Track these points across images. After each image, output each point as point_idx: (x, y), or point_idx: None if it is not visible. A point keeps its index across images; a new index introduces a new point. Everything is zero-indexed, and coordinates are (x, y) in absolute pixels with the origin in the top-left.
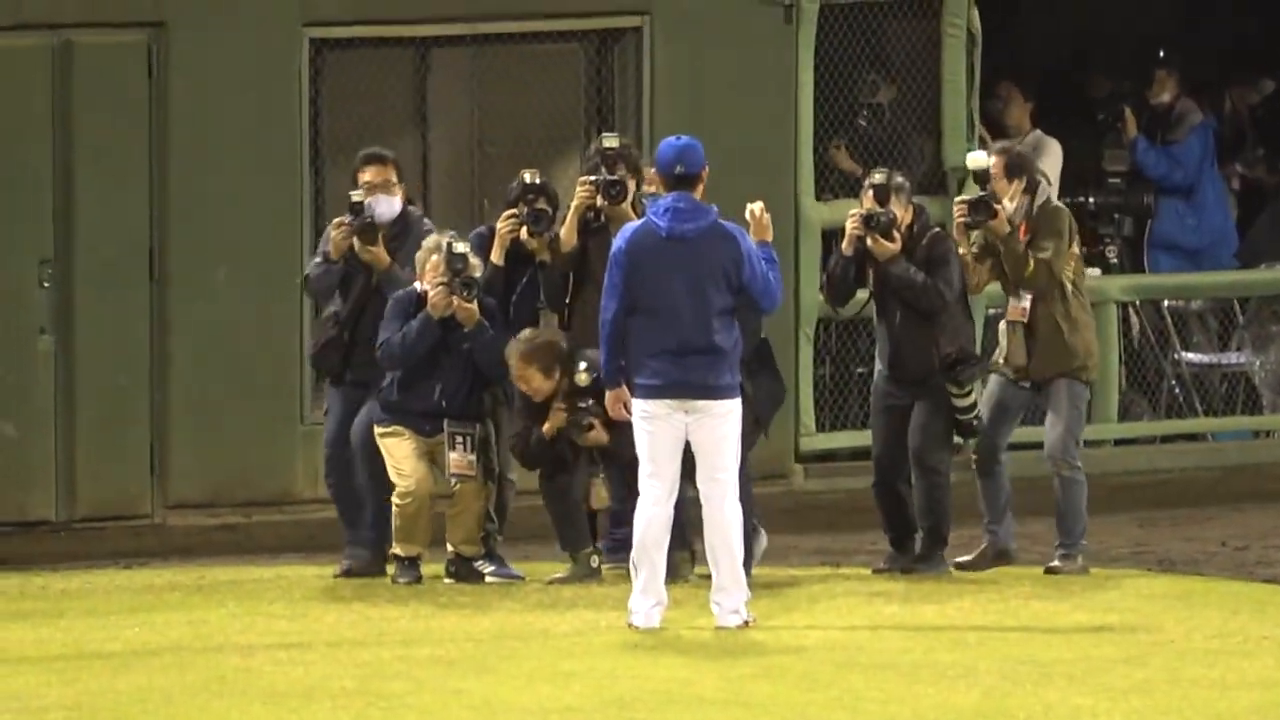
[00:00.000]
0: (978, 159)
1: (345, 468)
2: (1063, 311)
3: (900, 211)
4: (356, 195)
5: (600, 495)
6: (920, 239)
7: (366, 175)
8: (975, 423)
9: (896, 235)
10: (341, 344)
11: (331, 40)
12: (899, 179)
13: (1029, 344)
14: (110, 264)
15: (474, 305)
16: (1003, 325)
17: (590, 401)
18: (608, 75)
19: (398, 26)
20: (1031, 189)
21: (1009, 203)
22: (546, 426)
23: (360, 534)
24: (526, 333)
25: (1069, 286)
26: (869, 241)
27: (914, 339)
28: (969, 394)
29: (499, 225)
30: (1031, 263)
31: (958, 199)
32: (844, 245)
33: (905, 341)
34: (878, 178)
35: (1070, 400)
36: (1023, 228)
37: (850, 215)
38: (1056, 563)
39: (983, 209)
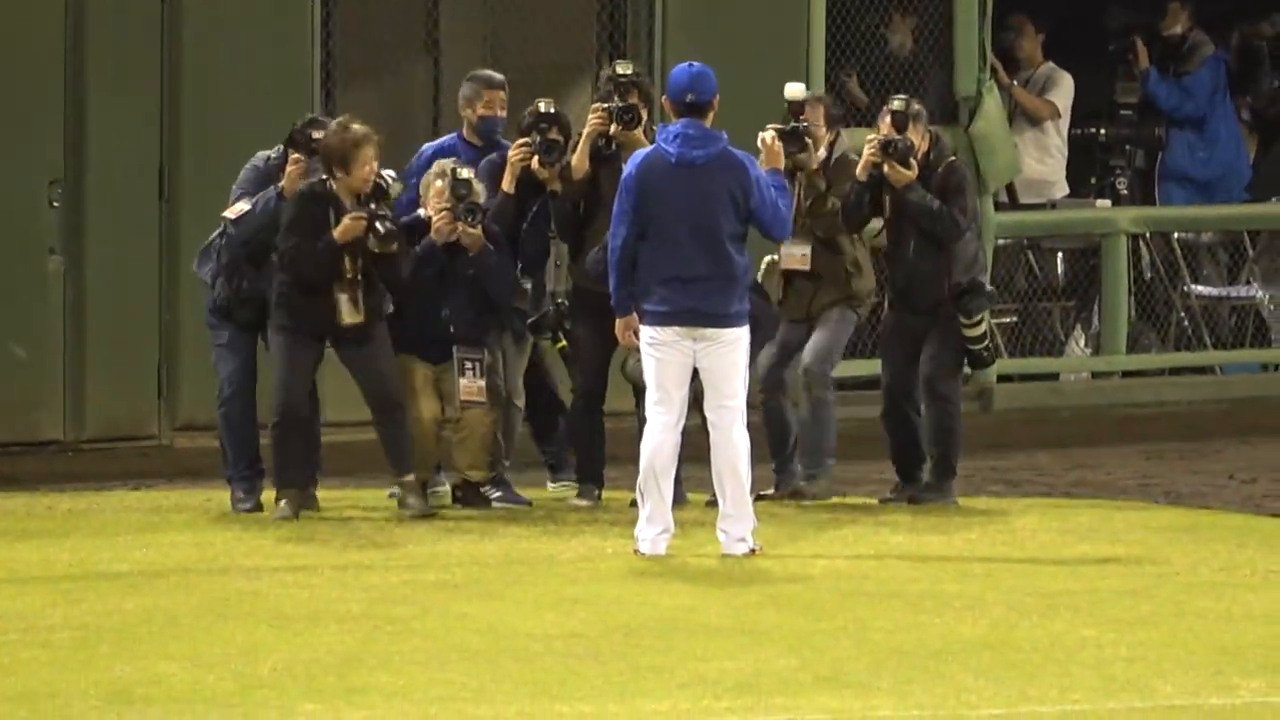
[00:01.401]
0: (795, 89)
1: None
2: (851, 259)
3: (917, 139)
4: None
5: (349, 311)
6: (935, 167)
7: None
8: (985, 353)
9: (913, 162)
10: None
11: None
12: (916, 106)
13: (816, 288)
14: (120, 184)
15: (478, 230)
16: (770, 267)
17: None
18: (620, 2)
19: None
20: (833, 141)
21: (821, 151)
22: (339, 231)
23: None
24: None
25: (859, 236)
26: (886, 168)
27: (926, 268)
28: (979, 324)
29: (510, 153)
30: (829, 204)
31: (770, 125)
32: (859, 171)
33: (918, 270)
34: (896, 104)
35: (840, 323)
36: (819, 171)
37: (868, 141)
38: (802, 484)
39: (794, 139)
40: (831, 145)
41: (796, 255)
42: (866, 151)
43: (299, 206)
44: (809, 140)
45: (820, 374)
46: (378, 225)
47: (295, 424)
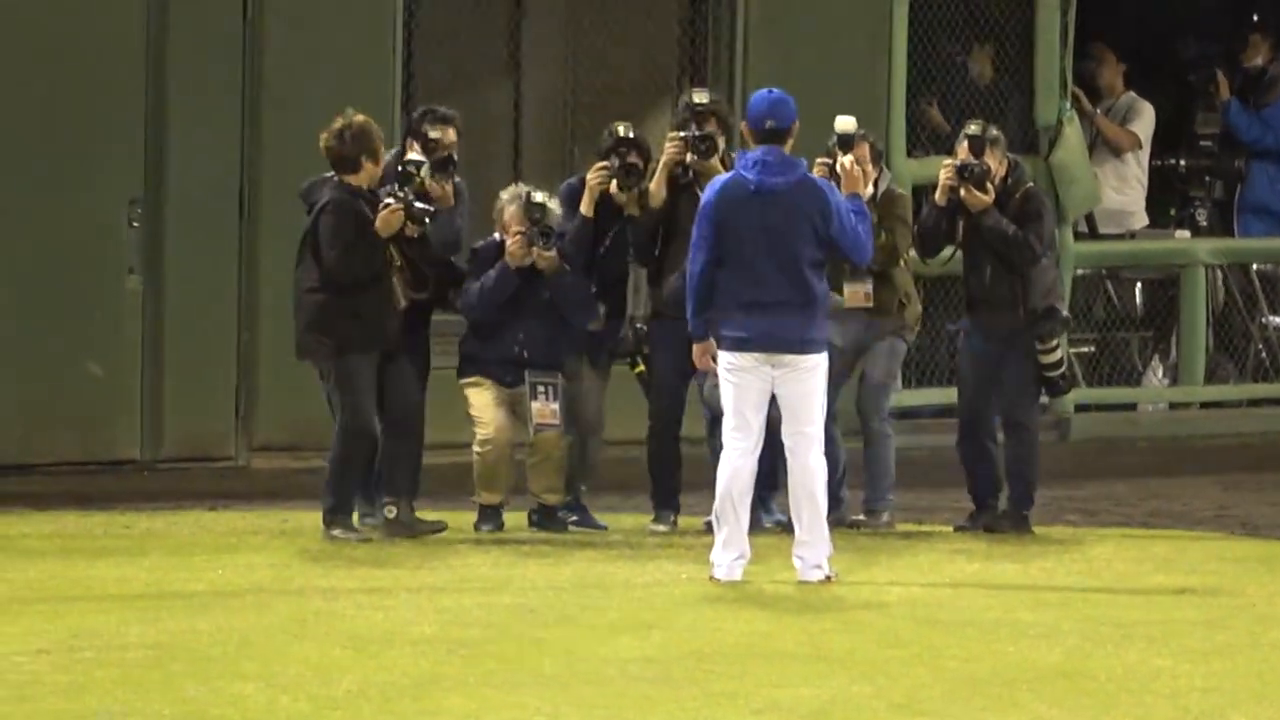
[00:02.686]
0: (846, 123)
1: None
2: (904, 289)
3: (994, 164)
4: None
5: (404, 291)
6: (1014, 193)
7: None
8: (1062, 381)
9: (990, 187)
10: None
11: None
12: (994, 131)
13: (868, 320)
14: (200, 204)
15: (553, 254)
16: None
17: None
18: (701, 26)
19: None
20: (877, 177)
21: (870, 188)
22: (380, 225)
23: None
24: None
25: (904, 265)
26: (962, 192)
27: (1003, 293)
28: (1055, 349)
29: (589, 177)
30: (881, 237)
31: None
32: (937, 195)
33: (994, 296)
34: (973, 129)
35: (891, 354)
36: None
37: (944, 165)
38: (862, 517)
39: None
40: (876, 181)
41: (860, 293)
42: (943, 176)
43: (336, 218)
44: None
45: (879, 407)
46: (413, 207)
47: (372, 443)
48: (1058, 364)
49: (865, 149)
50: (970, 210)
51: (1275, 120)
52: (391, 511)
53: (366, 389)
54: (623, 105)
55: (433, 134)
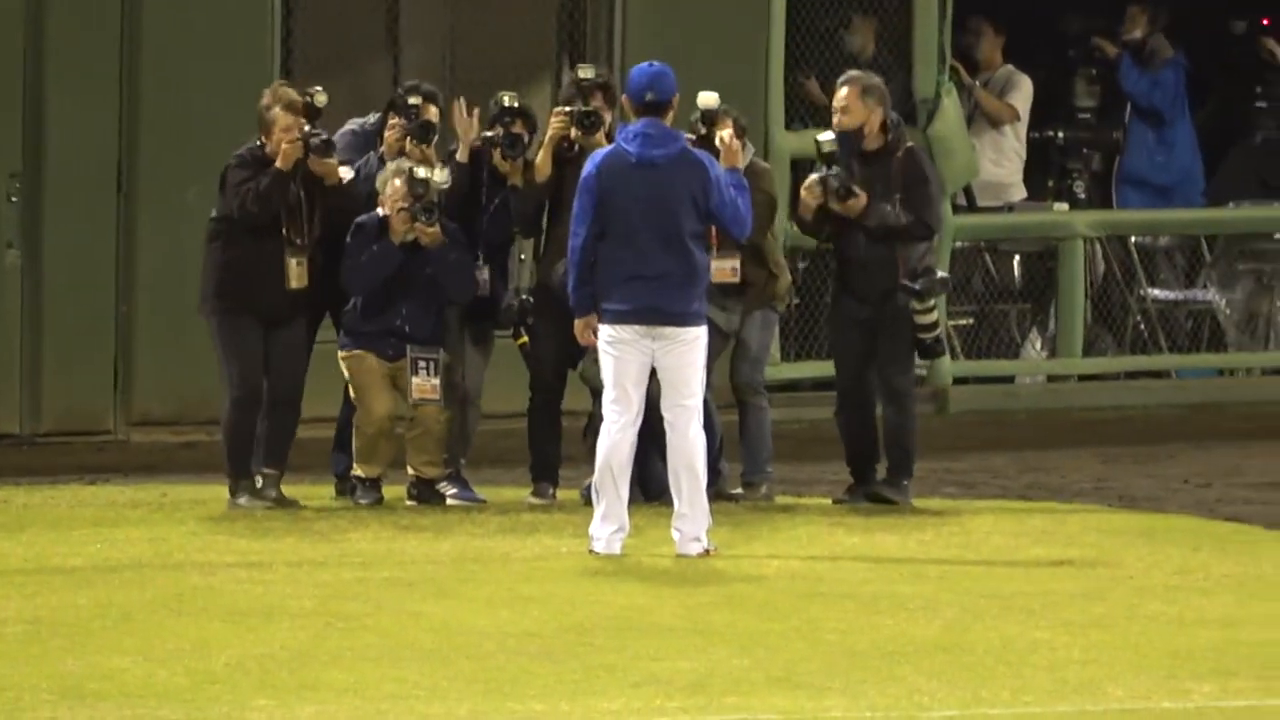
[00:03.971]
0: (708, 98)
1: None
2: (773, 260)
3: (866, 113)
4: (414, 98)
5: (298, 274)
6: (894, 151)
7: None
8: (936, 344)
9: (858, 191)
10: None
11: None
12: (873, 80)
13: (745, 295)
14: (79, 179)
15: (436, 229)
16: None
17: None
18: (581, 2)
19: None
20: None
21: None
22: (280, 159)
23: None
24: None
25: (772, 236)
26: (835, 208)
27: (876, 256)
28: (932, 310)
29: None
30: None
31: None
32: (802, 211)
33: (868, 258)
34: (847, 76)
35: (764, 327)
36: None
37: (805, 187)
38: (740, 490)
39: (706, 146)
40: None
41: (727, 269)
42: (804, 193)
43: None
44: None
45: (755, 382)
46: (312, 140)
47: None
48: (933, 325)
49: (729, 123)
50: (852, 217)
51: (1166, 82)
52: (259, 483)
53: (251, 354)
54: (502, 83)
55: (412, 100)
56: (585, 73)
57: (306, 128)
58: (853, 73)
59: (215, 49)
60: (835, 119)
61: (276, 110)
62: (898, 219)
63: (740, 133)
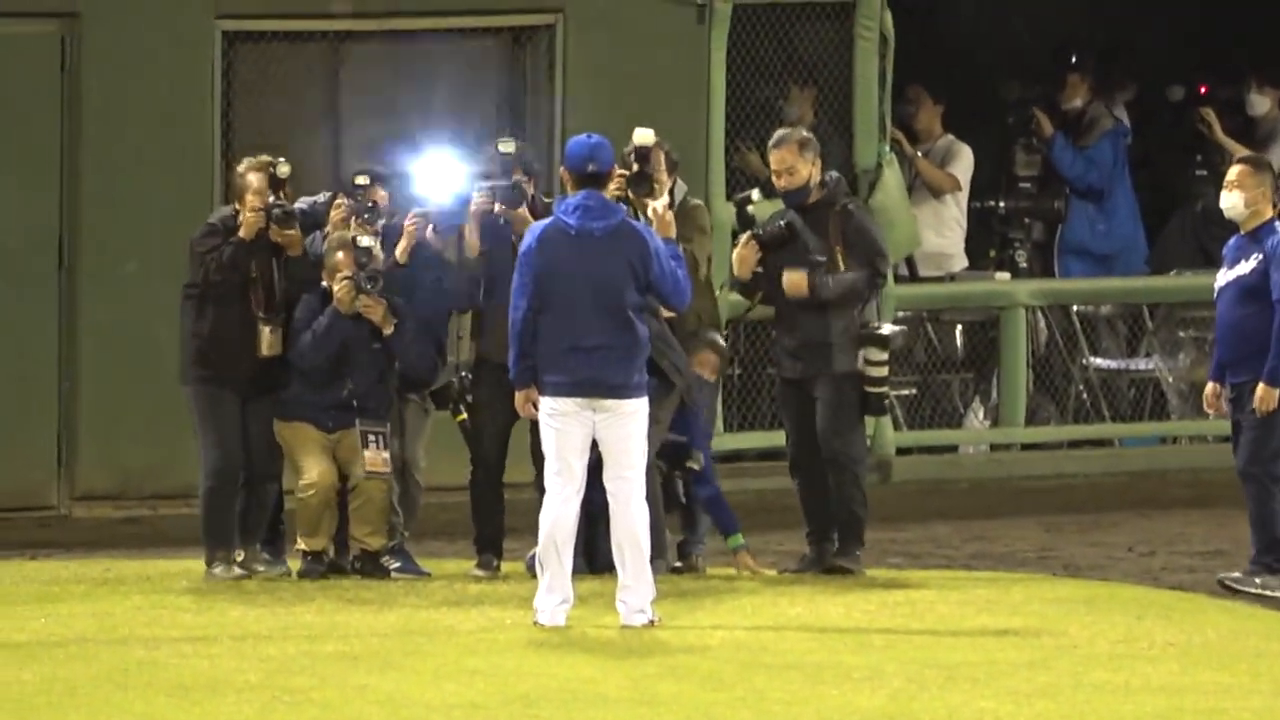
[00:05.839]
0: (644, 135)
1: None
2: (705, 306)
3: (807, 169)
4: (361, 179)
5: (270, 342)
6: (831, 205)
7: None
8: (884, 400)
9: (798, 277)
10: None
11: (245, 33)
12: (803, 134)
13: (682, 338)
14: (19, 254)
15: (379, 303)
16: None
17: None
18: (520, 73)
19: (311, 20)
20: (672, 187)
21: (665, 197)
22: (243, 229)
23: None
24: None
25: (705, 277)
26: (785, 286)
27: (808, 309)
28: (885, 362)
29: (407, 224)
30: (681, 247)
31: (620, 171)
32: (741, 271)
33: (805, 325)
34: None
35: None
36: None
37: (741, 245)
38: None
39: (643, 183)
40: (672, 191)
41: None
42: (741, 250)
43: (206, 239)
44: (655, 185)
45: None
46: (274, 211)
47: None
48: (884, 380)
49: (661, 157)
50: (797, 293)
51: (1099, 158)
52: (240, 556)
53: (229, 424)
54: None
55: (359, 181)
56: (505, 147)
57: (270, 199)
58: (782, 131)
59: (155, 124)
60: (779, 182)
61: (250, 176)
62: (848, 289)
63: (671, 167)
